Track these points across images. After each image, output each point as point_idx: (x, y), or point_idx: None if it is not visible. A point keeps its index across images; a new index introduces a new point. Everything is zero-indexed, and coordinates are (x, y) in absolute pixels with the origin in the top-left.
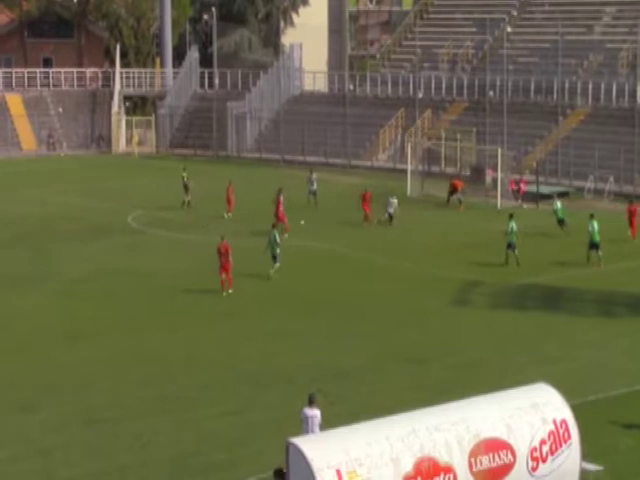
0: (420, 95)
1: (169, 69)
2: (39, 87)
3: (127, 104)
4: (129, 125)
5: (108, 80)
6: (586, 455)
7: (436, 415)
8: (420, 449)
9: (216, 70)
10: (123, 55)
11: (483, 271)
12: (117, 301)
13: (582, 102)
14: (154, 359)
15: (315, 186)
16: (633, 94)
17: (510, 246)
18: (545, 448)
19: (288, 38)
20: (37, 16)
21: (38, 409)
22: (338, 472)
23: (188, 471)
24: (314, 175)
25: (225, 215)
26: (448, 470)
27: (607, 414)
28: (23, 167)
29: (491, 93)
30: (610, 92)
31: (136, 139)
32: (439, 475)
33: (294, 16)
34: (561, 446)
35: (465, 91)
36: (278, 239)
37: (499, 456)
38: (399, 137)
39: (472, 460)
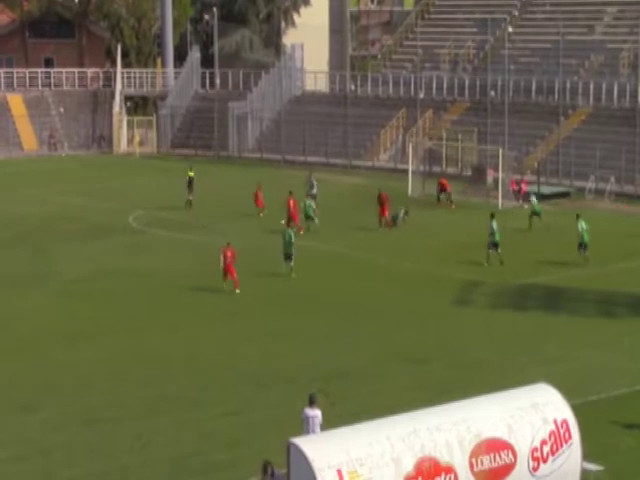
0: (421, 95)
1: (170, 69)
2: (40, 87)
3: (128, 104)
4: (130, 125)
5: (109, 80)
6: (587, 455)
7: (437, 415)
8: (421, 449)
9: (217, 70)
10: (124, 55)
11: (483, 271)
12: (117, 301)
13: (583, 102)
14: (154, 359)
15: (315, 189)
16: (634, 94)
17: (493, 246)
18: (546, 448)
19: (289, 38)
20: (38, 16)
21: (38, 409)
22: (339, 472)
23: (188, 471)
24: (313, 177)
25: (260, 215)
26: (449, 470)
27: (608, 414)
28: (24, 167)
29: (492, 93)
30: (611, 92)
31: (137, 139)
32: (440, 475)
33: (295, 16)
34: (562, 446)
35: (466, 91)
36: (293, 239)
37: (500, 456)
38: (400, 137)
39: (473, 460)
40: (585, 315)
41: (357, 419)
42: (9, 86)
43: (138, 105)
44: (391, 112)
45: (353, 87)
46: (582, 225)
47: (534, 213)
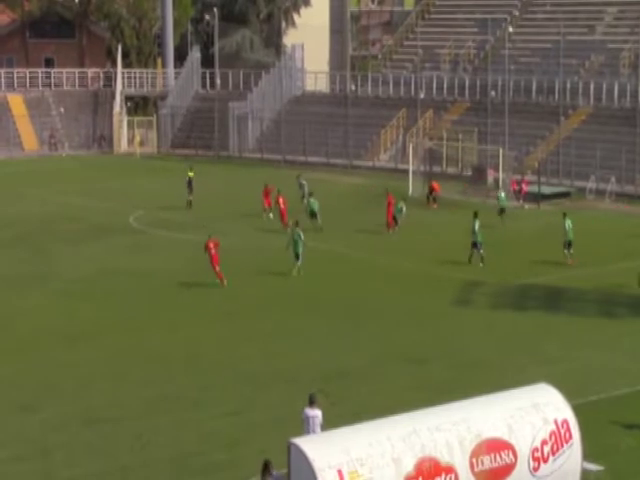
0: (422, 95)
1: (171, 69)
2: (41, 87)
3: (129, 104)
4: (130, 125)
5: (110, 80)
6: (587, 455)
7: (437, 415)
8: (421, 449)
9: (217, 70)
10: (125, 55)
11: (484, 271)
12: (118, 301)
13: (584, 102)
14: (154, 359)
15: (306, 189)
16: (635, 94)
17: (475, 245)
18: (546, 448)
19: (289, 38)
20: (39, 16)
21: (38, 409)
22: (339, 472)
23: (189, 471)
24: (302, 178)
25: (270, 215)
26: (449, 470)
27: (608, 414)
28: (25, 167)
29: (493, 93)
30: (612, 92)
31: (137, 139)
32: (440, 475)
33: (295, 16)
34: (562, 446)
35: (467, 91)
36: (302, 237)
37: (500, 456)
38: (400, 137)
39: (473, 460)
40: (585, 315)
41: (357, 419)
42: (9, 86)
43: (138, 105)
44: (391, 112)
45: (353, 87)
46: (568, 224)
47: (501, 209)
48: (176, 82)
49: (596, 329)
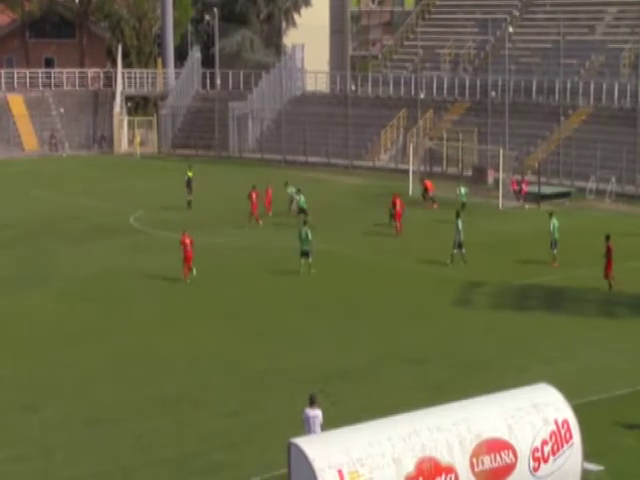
0: (422, 95)
1: (171, 69)
2: (41, 87)
3: (129, 104)
4: (131, 125)
5: (110, 80)
6: (587, 455)
7: (437, 415)
8: (422, 449)
9: (218, 70)
10: (125, 55)
11: (484, 271)
12: (118, 301)
13: (584, 102)
14: (155, 359)
15: (302, 202)
16: (635, 94)
17: (458, 245)
18: (547, 448)
19: (290, 38)
20: (39, 16)
21: (39, 409)
22: (340, 472)
23: (189, 471)
24: (293, 189)
25: (269, 214)
26: (449, 470)
27: (608, 414)
28: (25, 167)
29: (493, 93)
30: (612, 92)
31: (138, 139)
32: (440, 475)
33: (296, 16)
34: (562, 446)
35: (467, 91)
36: (310, 236)
37: (500, 456)
38: (401, 137)
39: (474, 460)
40: (586, 315)
41: (357, 419)
42: (10, 86)
43: (139, 105)
44: (392, 112)
45: (354, 87)
46: (554, 223)
47: (462, 205)
48: (176, 82)
49: (597, 329)
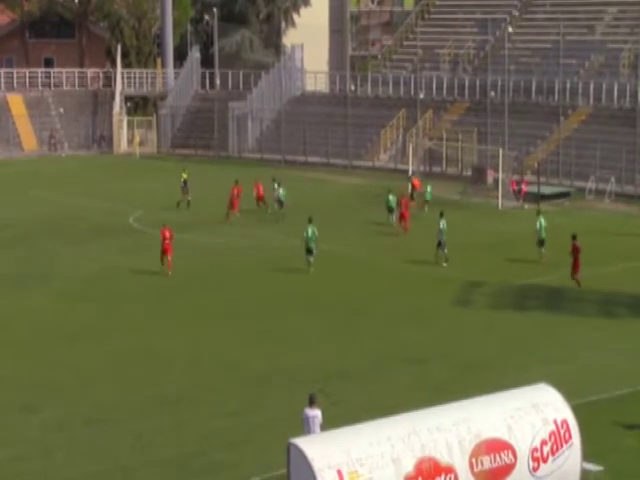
0: (421, 95)
1: (170, 69)
2: (40, 87)
3: (128, 104)
4: (130, 125)
5: (109, 80)
6: (587, 455)
7: (437, 415)
8: (421, 449)
9: (217, 70)
10: (124, 55)
11: (484, 271)
12: (118, 301)
13: (583, 102)
14: (155, 359)
15: (282, 196)
16: (634, 94)
17: (440, 244)
18: (546, 448)
19: (289, 38)
20: (38, 16)
21: (39, 409)
22: (339, 472)
23: (189, 471)
24: (277, 185)
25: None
26: (449, 470)
27: (608, 414)
28: (24, 167)
29: (492, 93)
30: (611, 92)
31: (137, 139)
32: (440, 475)
33: (295, 16)
34: (562, 446)
35: (466, 91)
36: (316, 234)
37: (500, 456)
38: (400, 137)
39: (473, 460)
40: (585, 315)
41: (357, 419)
42: (9, 86)
43: (138, 105)
44: (391, 112)
45: (353, 87)
46: (541, 222)
47: (425, 201)
48: (176, 82)
49: (597, 329)
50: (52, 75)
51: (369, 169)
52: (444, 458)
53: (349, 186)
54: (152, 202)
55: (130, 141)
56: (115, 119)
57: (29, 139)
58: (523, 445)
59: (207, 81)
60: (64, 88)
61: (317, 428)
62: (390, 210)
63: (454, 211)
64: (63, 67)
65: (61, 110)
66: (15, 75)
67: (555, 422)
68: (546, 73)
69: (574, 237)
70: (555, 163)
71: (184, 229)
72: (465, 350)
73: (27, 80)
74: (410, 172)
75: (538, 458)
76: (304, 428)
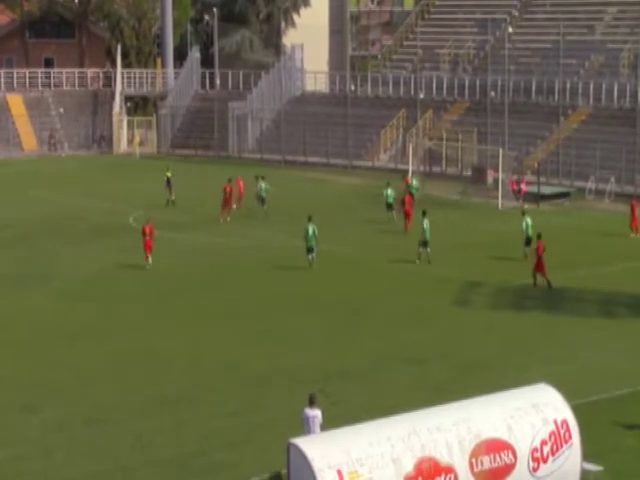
0: (421, 95)
1: (170, 69)
2: (40, 87)
3: (128, 104)
4: (130, 125)
5: (109, 80)
6: (587, 455)
7: (437, 415)
8: (421, 449)
9: (217, 70)
10: (124, 55)
11: (484, 271)
12: (118, 301)
13: (583, 102)
14: (156, 359)
15: (263, 191)
16: (634, 94)
17: (423, 244)
18: (546, 448)
19: (289, 38)
20: (38, 16)
21: (39, 409)
22: (339, 472)
23: (189, 471)
24: (261, 182)
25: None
26: (449, 470)
27: (608, 414)
28: (24, 167)
29: (492, 93)
30: (611, 92)
31: (137, 139)
32: (440, 475)
33: (295, 16)
34: (562, 446)
35: (466, 91)
36: (316, 232)
37: (500, 456)
38: (400, 137)
39: (473, 460)
40: (585, 315)
41: (357, 419)
42: (9, 86)
43: (138, 105)
44: (391, 112)
45: (353, 87)
46: (527, 221)
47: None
48: (176, 82)
49: (597, 329)
50: (52, 75)
51: (369, 169)
52: (444, 458)
53: (349, 186)
54: (152, 202)
55: (130, 141)
56: (115, 119)
57: (29, 139)
58: (523, 445)
59: (207, 81)
60: (64, 88)
61: (317, 428)
62: (389, 206)
63: (454, 211)
64: (63, 67)
65: (61, 110)
66: (15, 75)
67: (555, 422)
68: (546, 73)
69: (539, 236)
70: (555, 163)
71: (184, 229)
72: (465, 350)
73: (27, 80)
74: (410, 173)
75: (538, 458)
76: (304, 428)
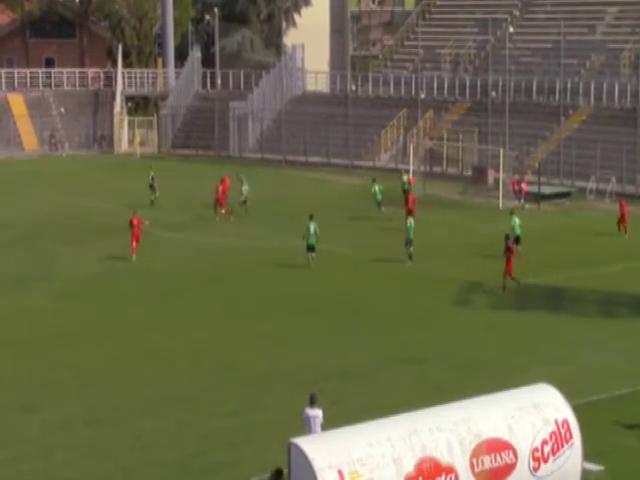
0: (422, 95)
1: (171, 69)
2: (41, 87)
3: (129, 104)
4: (131, 125)
5: (110, 80)
6: (587, 455)
7: (438, 415)
8: (422, 449)
9: (218, 70)
10: (125, 55)
11: (484, 271)
12: (118, 301)
13: (584, 102)
14: (156, 359)
15: (244, 193)
16: (635, 94)
17: (407, 243)
18: (547, 448)
19: (290, 38)
20: (39, 16)
21: (39, 409)
22: (340, 472)
23: (189, 472)
24: (242, 176)
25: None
26: (449, 470)
27: (608, 414)
28: (25, 167)
29: (493, 93)
30: (612, 92)
31: (138, 139)
32: (440, 475)
33: (296, 16)
34: (563, 446)
35: (467, 91)
36: (318, 231)
37: (501, 456)
38: (401, 137)
39: (474, 460)
40: (585, 315)
41: (357, 419)
42: (10, 86)
43: (139, 105)
44: (392, 112)
45: (354, 87)
46: (515, 220)
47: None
48: (177, 82)
49: (597, 329)
50: (53, 75)
51: (370, 169)
52: (445, 458)
53: (350, 186)
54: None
55: (131, 141)
56: (116, 119)
57: (30, 139)
58: (524, 445)
59: (208, 81)
60: (65, 88)
61: (318, 428)
62: (378, 203)
63: (455, 211)
64: (64, 67)
65: (62, 110)
66: (16, 75)
67: (556, 422)
68: (547, 73)
69: (507, 237)
70: (556, 163)
71: (184, 229)
72: (465, 350)
73: (28, 80)
74: (410, 173)
75: (539, 458)
76: (305, 428)
